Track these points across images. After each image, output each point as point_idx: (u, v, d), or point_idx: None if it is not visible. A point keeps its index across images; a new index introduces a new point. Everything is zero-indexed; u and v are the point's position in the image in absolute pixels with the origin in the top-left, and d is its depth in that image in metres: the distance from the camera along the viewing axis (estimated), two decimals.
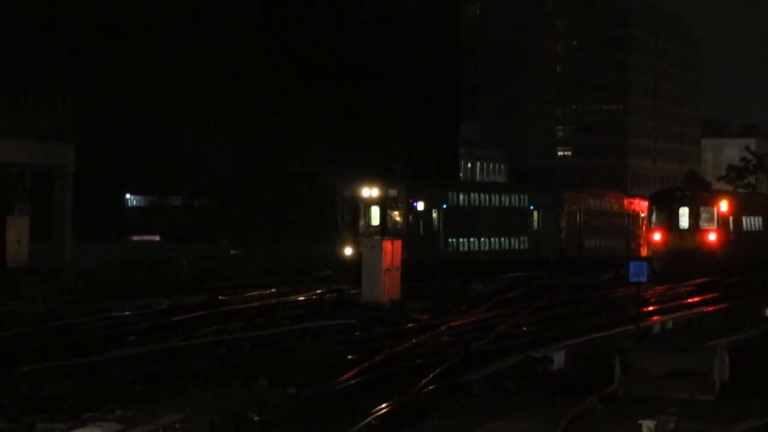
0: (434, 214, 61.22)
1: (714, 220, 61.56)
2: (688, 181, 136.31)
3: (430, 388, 23.37)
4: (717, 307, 42.52)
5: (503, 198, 69.80)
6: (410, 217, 59.10)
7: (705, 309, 41.63)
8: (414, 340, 31.30)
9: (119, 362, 27.96)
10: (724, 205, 62.48)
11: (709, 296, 46.54)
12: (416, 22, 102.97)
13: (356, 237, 57.24)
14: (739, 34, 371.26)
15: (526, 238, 69.76)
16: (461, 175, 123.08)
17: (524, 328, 35.05)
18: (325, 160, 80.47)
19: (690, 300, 45.50)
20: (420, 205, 59.75)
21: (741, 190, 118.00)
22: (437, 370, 25.36)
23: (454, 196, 64.26)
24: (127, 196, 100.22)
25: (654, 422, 18.05)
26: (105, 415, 20.86)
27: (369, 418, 20.05)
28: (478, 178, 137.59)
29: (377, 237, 50.67)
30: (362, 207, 58.87)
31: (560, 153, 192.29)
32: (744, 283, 52.74)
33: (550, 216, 72.61)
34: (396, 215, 58.77)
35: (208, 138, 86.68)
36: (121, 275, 53.99)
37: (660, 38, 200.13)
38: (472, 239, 65.15)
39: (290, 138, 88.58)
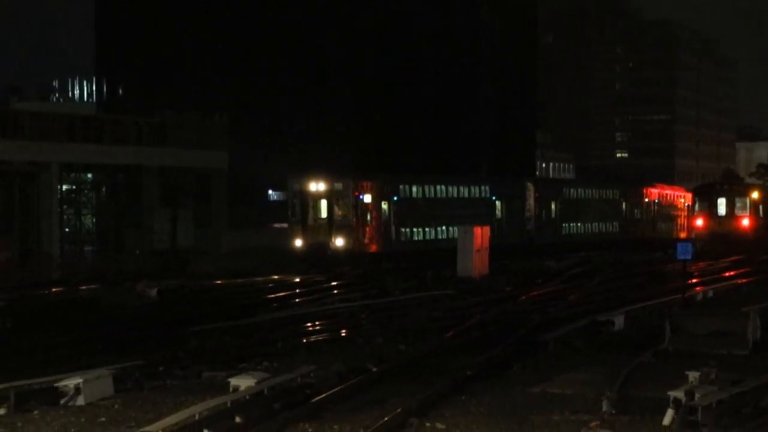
0: (384, 206, 52.90)
1: (747, 208, 60.69)
2: (725, 176, 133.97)
3: (514, 345, 23.34)
4: (750, 279, 41.84)
5: (462, 190, 59.97)
6: (358, 209, 50.97)
7: (740, 281, 41.00)
8: (500, 307, 31.24)
9: (265, 324, 28.26)
10: (755, 196, 61.71)
11: (743, 270, 45.80)
12: (501, 49, 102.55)
13: (305, 229, 50.64)
14: None
15: (488, 227, 61.55)
16: (537, 173, 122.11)
17: (590, 297, 34.80)
18: (422, 165, 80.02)
19: (727, 274, 44.81)
20: (367, 198, 51.46)
21: None
22: (519, 332, 25.30)
23: (407, 189, 55.24)
24: (269, 191, 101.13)
25: (698, 373, 17.84)
26: (255, 365, 21.11)
27: (465, 370, 20.08)
28: (550, 176, 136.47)
29: (468, 226, 47.49)
30: (311, 201, 50.92)
31: (618, 155, 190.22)
32: None
33: (514, 205, 63.03)
34: (342, 208, 50.75)
35: (328, 144, 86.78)
36: (265, 256, 54.38)
37: (701, 59, 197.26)
38: (427, 229, 56.44)
39: (396, 148, 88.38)
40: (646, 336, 24.78)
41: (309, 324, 28.38)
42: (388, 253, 51.68)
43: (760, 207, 61.59)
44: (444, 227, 57.12)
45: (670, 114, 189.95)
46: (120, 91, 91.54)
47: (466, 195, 60.00)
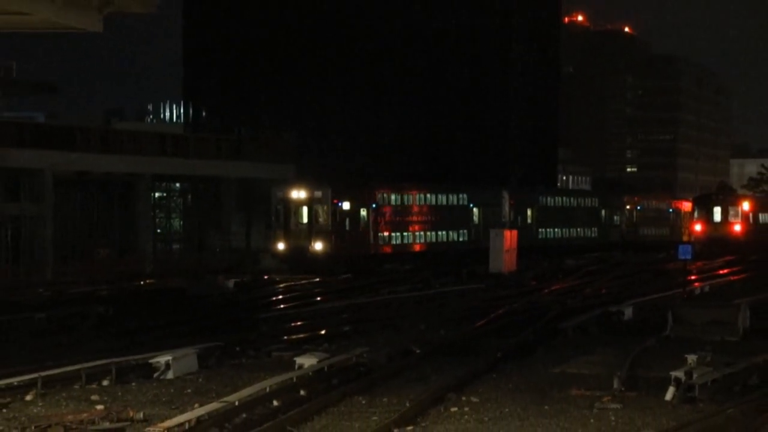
0: (362, 212, 48.47)
1: (738, 216, 60.19)
2: (720, 188, 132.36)
3: (538, 332, 23.30)
4: (740, 276, 41.44)
5: (441, 197, 55.13)
6: (337, 215, 46.82)
7: (732, 278, 40.62)
8: (526, 299, 31.17)
9: (325, 312, 28.41)
10: (746, 205, 61.26)
11: (735, 269, 45.37)
12: (528, 77, 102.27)
13: (287, 234, 46.46)
14: (764, 78, 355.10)
15: (465, 231, 55.47)
16: (558, 185, 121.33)
17: (603, 291, 34.64)
18: (458, 177, 79.42)
19: (721, 272, 44.41)
20: (345, 205, 47.25)
21: (758, 194, 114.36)
22: (542, 320, 25.26)
23: (385, 196, 50.49)
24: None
25: (696, 356, 17.80)
26: (317, 347, 21.23)
27: (496, 352, 20.11)
28: (570, 187, 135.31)
29: (499, 228, 46.41)
30: (293, 207, 46.66)
31: (629, 169, 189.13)
32: (760, 261, 51.19)
33: (490, 212, 57.38)
34: (322, 214, 46.64)
35: (380, 152, 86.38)
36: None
37: (701, 87, 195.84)
38: (405, 233, 51.73)
39: (436, 162, 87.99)
40: (652, 324, 24.66)
41: (363, 312, 28.48)
42: (366, 257, 48.15)
43: (750, 215, 61.18)
44: (421, 233, 53.41)
45: (674, 134, 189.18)
46: (204, 113, 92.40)
47: (444, 202, 55.88)
